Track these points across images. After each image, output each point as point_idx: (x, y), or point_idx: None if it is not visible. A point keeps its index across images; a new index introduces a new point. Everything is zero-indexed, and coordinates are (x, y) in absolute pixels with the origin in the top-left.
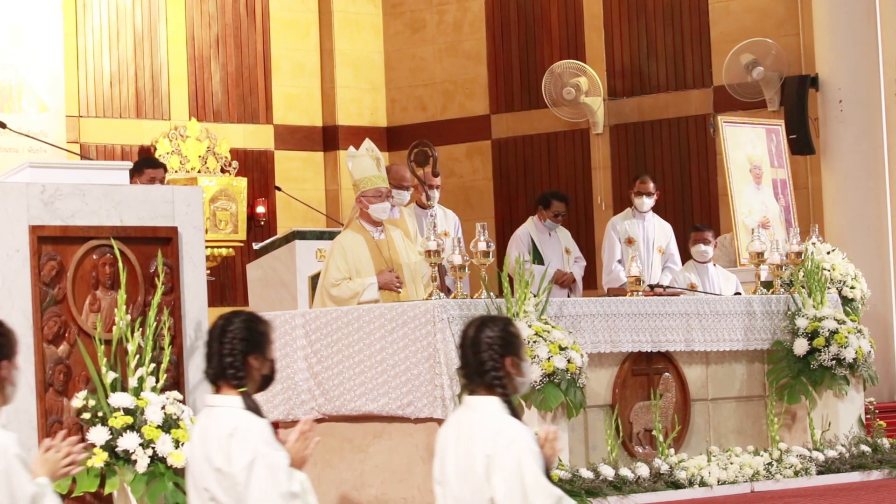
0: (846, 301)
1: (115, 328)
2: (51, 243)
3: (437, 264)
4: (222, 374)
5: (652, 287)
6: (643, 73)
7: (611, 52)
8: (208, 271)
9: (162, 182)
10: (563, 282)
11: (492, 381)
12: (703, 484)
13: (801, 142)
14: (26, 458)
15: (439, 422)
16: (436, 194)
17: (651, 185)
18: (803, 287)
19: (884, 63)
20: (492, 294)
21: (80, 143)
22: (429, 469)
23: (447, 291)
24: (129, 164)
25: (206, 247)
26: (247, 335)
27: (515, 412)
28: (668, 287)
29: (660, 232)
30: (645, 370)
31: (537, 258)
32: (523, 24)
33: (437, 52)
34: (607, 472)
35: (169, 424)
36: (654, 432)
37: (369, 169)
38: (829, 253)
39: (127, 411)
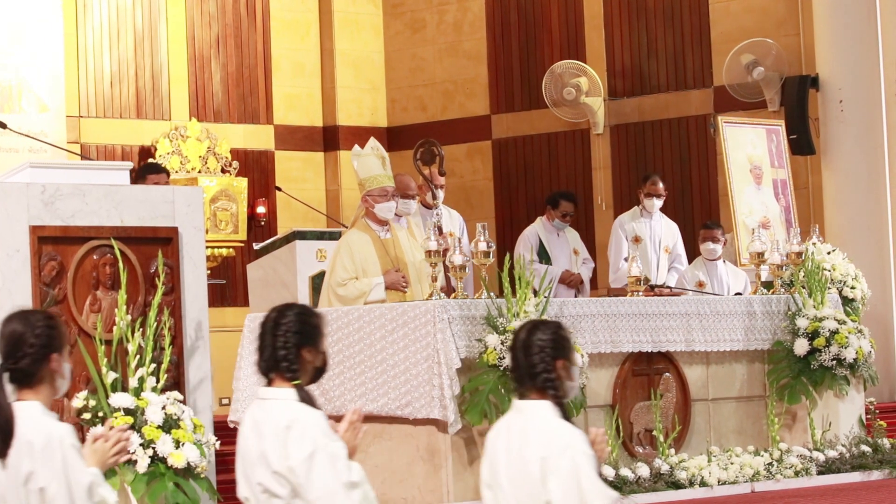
0: (846, 301)
1: (115, 328)
2: (51, 243)
3: (436, 264)
4: (276, 366)
5: (652, 287)
6: (643, 74)
7: (611, 53)
8: (218, 278)
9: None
10: (570, 282)
11: (544, 384)
12: (703, 484)
13: (802, 142)
14: (80, 449)
15: (439, 422)
16: (440, 194)
17: (661, 187)
18: (804, 287)
19: (884, 63)
20: (492, 294)
21: (81, 144)
22: (428, 469)
23: (453, 291)
24: (130, 165)
25: (207, 247)
26: (300, 328)
27: (567, 415)
28: (668, 287)
29: (667, 231)
30: (645, 370)
31: (545, 258)
32: (524, 24)
33: (438, 52)
34: (608, 472)
35: (169, 424)
36: (654, 432)
37: (375, 168)
38: (829, 253)
39: (127, 411)
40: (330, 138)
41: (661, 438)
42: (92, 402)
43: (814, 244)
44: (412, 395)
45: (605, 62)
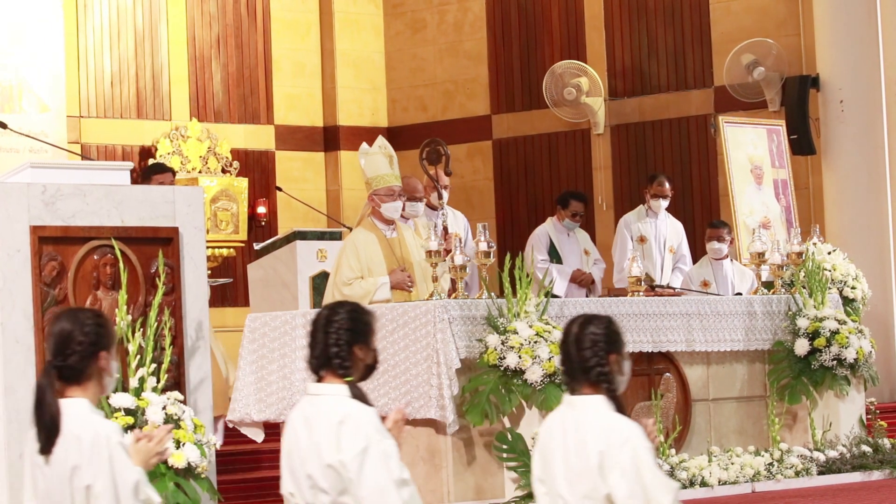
0: (847, 301)
1: (115, 328)
2: (52, 243)
3: (436, 264)
4: (327, 363)
5: (653, 287)
6: (644, 74)
7: (611, 53)
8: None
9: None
10: (581, 281)
11: (598, 379)
12: (703, 484)
13: (802, 142)
14: (128, 446)
15: (439, 423)
16: (445, 195)
17: (667, 187)
18: (804, 287)
19: (884, 63)
20: (493, 294)
21: (81, 144)
22: (429, 469)
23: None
24: (130, 165)
25: (207, 247)
26: (352, 325)
27: (622, 408)
28: (669, 287)
29: (672, 231)
30: (646, 370)
31: (556, 258)
32: (524, 24)
33: (438, 52)
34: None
35: (170, 424)
36: None
37: (382, 167)
38: (829, 253)
39: (128, 411)
40: (330, 138)
41: (662, 439)
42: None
43: (814, 244)
44: (411, 396)
45: (605, 62)
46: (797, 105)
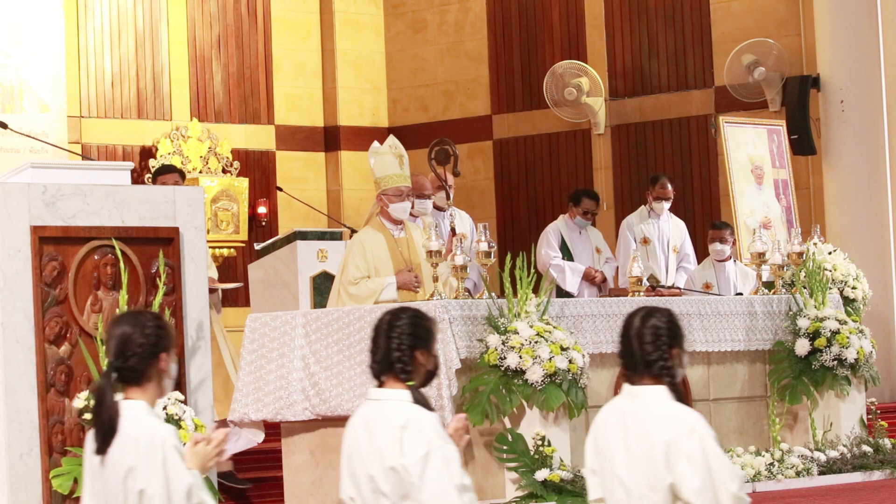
0: (847, 301)
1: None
2: (52, 244)
3: (436, 265)
4: (389, 368)
5: (653, 287)
6: (644, 74)
7: (612, 53)
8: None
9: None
10: (593, 279)
11: (661, 371)
12: None
13: (803, 142)
14: (183, 451)
15: None
16: (451, 194)
17: (670, 189)
18: (805, 287)
19: (885, 63)
20: (493, 294)
21: (82, 144)
22: None
23: (468, 291)
24: (131, 165)
25: (208, 247)
26: (414, 330)
27: (683, 399)
28: (668, 287)
29: (675, 231)
30: None
31: (567, 255)
32: (525, 24)
33: (439, 52)
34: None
35: (170, 425)
36: None
37: (391, 167)
38: (830, 253)
39: None
40: (331, 139)
41: None
42: (93, 403)
43: (815, 244)
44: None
45: (606, 62)
46: (798, 105)
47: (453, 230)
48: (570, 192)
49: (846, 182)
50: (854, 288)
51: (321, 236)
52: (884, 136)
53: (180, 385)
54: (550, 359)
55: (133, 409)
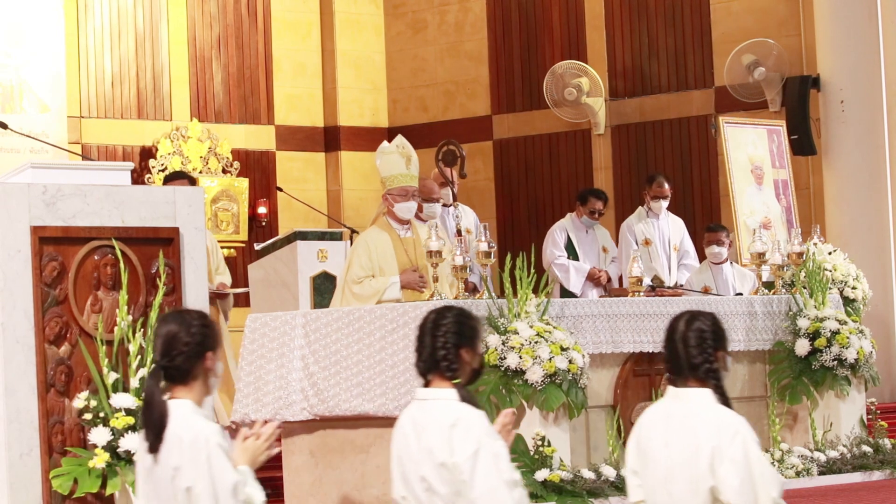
0: (847, 301)
1: (116, 329)
2: (52, 244)
3: (436, 265)
4: (435, 366)
5: (653, 287)
6: (644, 74)
7: (612, 53)
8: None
9: None
10: (596, 280)
11: (706, 375)
12: None
13: (803, 142)
14: (228, 448)
15: None
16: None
17: (667, 188)
18: (805, 287)
19: (885, 63)
20: (493, 294)
21: (82, 144)
22: None
23: (474, 290)
24: (131, 165)
25: (222, 252)
26: (459, 328)
27: (727, 401)
28: (668, 287)
29: (674, 229)
30: (646, 370)
31: (572, 254)
32: (525, 24)
33: (439, 52)
34: (609, 472)
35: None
36: None
37: (396, 167)
38: (830, 253)
39: (128, 412)
40: (331, 139)
41: None
42: (93, 403)
43: (815, 244)
44: (410, 396)
45: (606, 62)
46: (798, 105)
47: (459, 231)
48: (569, 192)
49: (846, 182)
50: (854, 288)
51: (321, 236)
52: (884, 136)
53: None
54: (550, 359)
55: (179, 409)
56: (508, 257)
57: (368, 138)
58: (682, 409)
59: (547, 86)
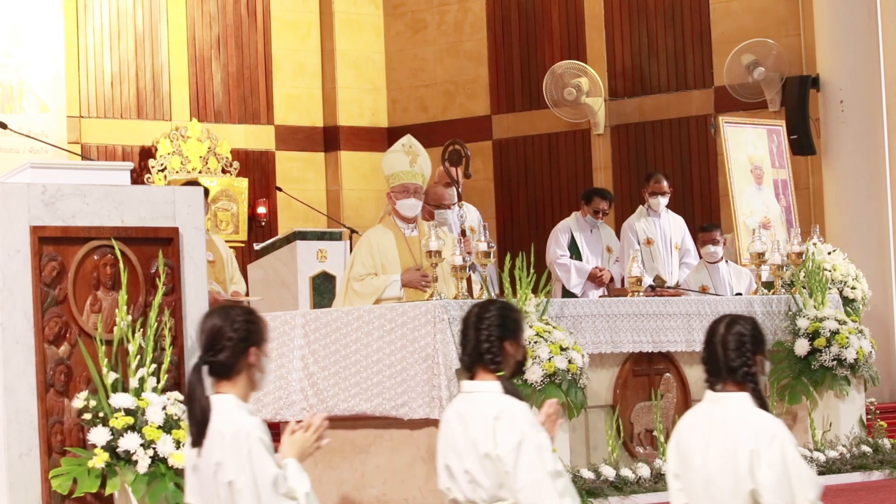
0: (847, 301)
1: (115, 329)
2: (52, 244)
3: (436, 265)
4: (479, 359)
5: (653, 287)
6: (644, 74)
7: (612, 53)
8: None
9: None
10: (598, 279)
11: (744, 378)
12: None
13: (802, 142)
14: (270, 442)
15: (437, 423)
16: (441, 189)
17: (665, 184)
18: (804, 287)
19: (885, 63)
20: (493, 294)
21: (81, 144)
22: (429, 470)
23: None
24: (130, 165)
25: (235, 260)
26: (502, 321)
27: (765, 405)
28: (667, 287)
29: (675, 228)
30: (646, 370)
31: (575, 253)
32: (524, 24)
33: (438, 52)
34: (608, 472)
35: (170, 425)
36: (655, 433)
37: (399, 165)
38: (830, 253)
39: (128, 412)
40: (330, 139)
41: (662, 439)
42: (92, 403)
43: (814, 244)
44: (408, 396)
45: (605, 62)
46: (797, 105)
47: (463, 232)
48: (569, 192)
49: (846, 182)
50: (853, 288)
51: (320, 236)
52: (883, 136)
53: (180, 385)
54: (550, 359)
55: (222, 404)
56: (508, 257)
57: (368, 138)
58: (721, 413)
59: (546, 86)
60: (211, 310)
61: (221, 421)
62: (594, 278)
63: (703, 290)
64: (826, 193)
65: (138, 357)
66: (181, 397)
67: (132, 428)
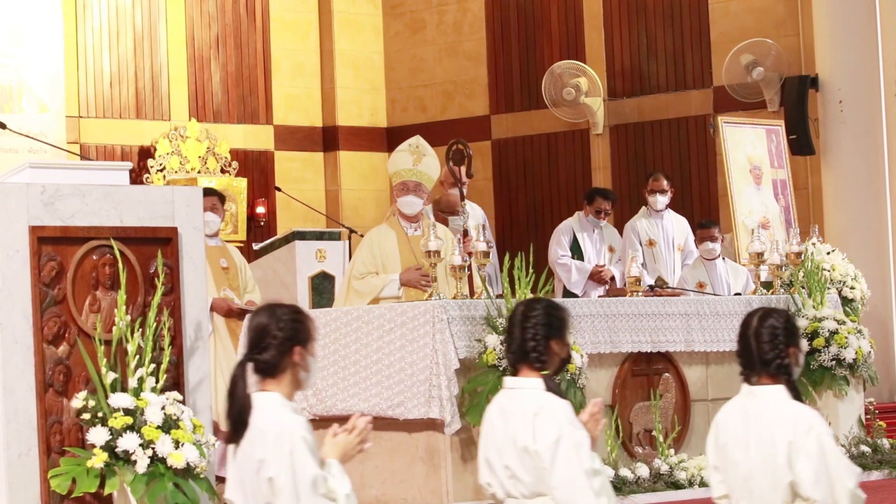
0: (846, 301)
1: (114, 328)
2: (51, 244)
3: (435, 265)
4: (524, 357)
5: (652, 287)
6: (643, 74)
7: (611, 53)
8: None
9: (214, 210)
10: (598, 278)
11: (777, 370)
12: (703, 484)
13: (801, 142)
14: (313, 441)
15: (438, 423)
16: (454, 192)
17: (664, 183)
18: (803, 287)
19: (884, 63)
20: (492, 294)
21: (80, 144)
22: (428, 470)
23: (490, 278)
24: (129, 165)
25: (250, 270)
26: (548, 320)
27: (799, 396)
28: (667, 287)
29: (678, 229)
30: (645, 370)
31: (577, 253)
32: (523, 24)
33: (437, 52)
34: (607, 472)
35: (169, 425)
36: (653, 433)
37: (402, 163)
38: (828, 253)
39: (127, 412)
40: (329, 139)
41: (661, 439)
42: (91, 403)
43: (813, 244)
44: (406, 395)
45: (604, 62)
46: (796, 105)
47: (465, 232)
48: (568, 192)
49: (845, 182)
50: (852, 288)
51: (319, 236)
52: (882, 136)
53: (179, 385)
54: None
55: (265, 401)
56: (507, 257)
57: (367, 138)
58: (758, 406)
59: (545, 86)
60: (259, 307)
61: (264, 418)
62: (595, 276)
63: (700, 287)
64: (825, 193)
65: (137, 357)
66: (180, 397)
67: (131, 428)
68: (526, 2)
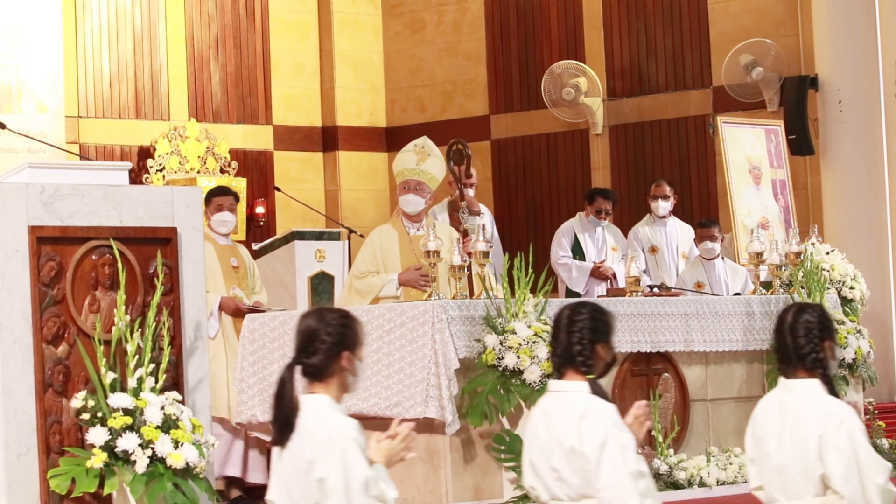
0: (845, 301)
1: (114, 329)
2: (50, 244)
3: (435, 265)
4: (570, 360)
5: (651, 287)
6: (642, 74)
7: (610, 53)
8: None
9: (231, 210)
10: (600, 276)
11: (813, 364)
12: (702, 484)
13: (801, 142)
14: (364, 443)
15: (438, 423)
16: (471, 192)
17: (667, 188)
18: (802, 287)
19: (883, 63)
20: (492, 294)
21: (80, 144)
22: (427, 469)
23: (494, 276)
24: (129, 165)
25: (258, 271)
26: (594, 325)
27: (835, 391)
28: (666, 287)
29: (682, 237)
30: (644, 371)
31: (579, 253)
32: (523, 24)
33: (437, 52)
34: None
35: (168, 425)
36: (653, 433)
37: (405, 163)
38: (828, 253)
39: (126, 412)
40: (329, 139)
41: (660, 439)
42: (91, 403)
43: (813, 244)
44: (405, 395)
45: (604, 62)
46: (796, 105)
47: (465, 232)
48: (567, 192)
49: (844, 182)
50: (852, 288)
51: (319, 236)
52: (882, 136)
53: (178, 385)
54: (548, 359)
55: (314, 404)
56: (507, 257)
57: (366, 138)
58: (793, 399)
59: (545, 86)
60: (307, 311)
61: (314, 421)
62: (596, 273)
63: (699, 287)
64: (824, 193)
65: (136, 357)
66: (179, 397)
67: (130, 428)
68: (525, 2)
